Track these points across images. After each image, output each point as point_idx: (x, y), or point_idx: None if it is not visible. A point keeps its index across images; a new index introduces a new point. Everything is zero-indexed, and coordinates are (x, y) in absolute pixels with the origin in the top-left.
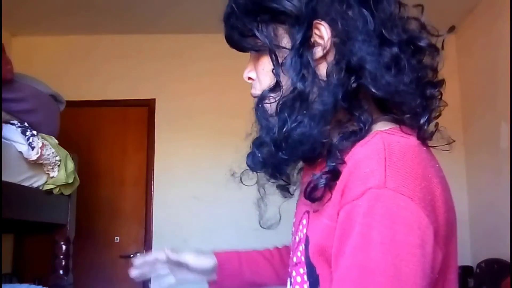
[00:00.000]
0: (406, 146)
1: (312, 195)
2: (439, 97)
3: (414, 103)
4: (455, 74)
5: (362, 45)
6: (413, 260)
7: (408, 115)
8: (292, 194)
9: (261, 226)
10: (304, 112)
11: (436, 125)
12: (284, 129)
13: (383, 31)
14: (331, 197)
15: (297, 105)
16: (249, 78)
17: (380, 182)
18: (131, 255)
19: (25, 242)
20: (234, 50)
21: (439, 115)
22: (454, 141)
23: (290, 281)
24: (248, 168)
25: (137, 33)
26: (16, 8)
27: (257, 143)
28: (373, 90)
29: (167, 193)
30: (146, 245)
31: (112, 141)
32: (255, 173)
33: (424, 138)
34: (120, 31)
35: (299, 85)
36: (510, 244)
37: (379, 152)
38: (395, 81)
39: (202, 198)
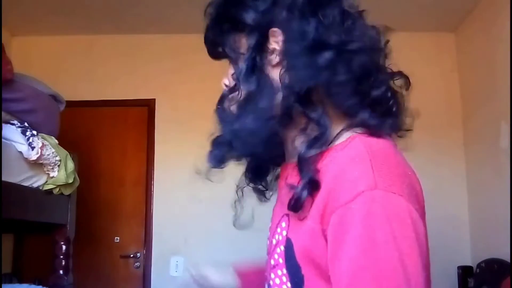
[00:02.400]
0: (384, 147)
1: (296, 207)
2: (388, 94)
3: (350, 102)
4: (455, 74)
5: (294, 47)
6: (414, 253)
7: (360, 117)
8: (268, 199)
9: (234, 226)
10: (250, 109)
11: (393, 118)
12: (234, 127)
13: (322, 36)
14: (313, 201)
15: (247, 105)
16: (225, 85)
17: (371, 183)
18: (131, 255)
19: (25, 242)
20: None
21: (402, 106)
22: (411, 130)
23: (269, 284)
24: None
25: (137, 33)
26: (16, 8)
27: (215, 142)
28: (297, 86)
29: (167, 193)
30: (146, 245)
31: (112, 141)
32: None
33: (375, 133)
34: (120, 31)
35: (247, 87)
36: (510, 244)
37: (363, 155)
38: (321, 80)
39: (202, 198)
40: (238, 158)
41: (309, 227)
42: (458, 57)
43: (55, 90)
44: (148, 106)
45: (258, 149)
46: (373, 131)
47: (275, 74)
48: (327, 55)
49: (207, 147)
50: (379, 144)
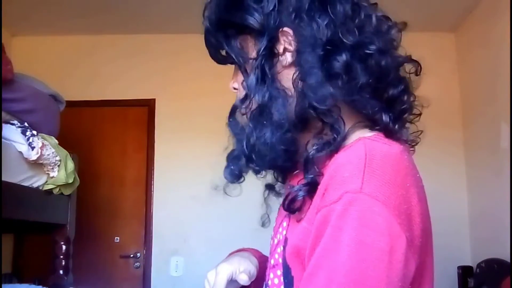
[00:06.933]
0: (388, 153)
1: (291, 207)
2: (405, 95)
3: (369, 105)
4: (455, 74)
5: (307, 56)
6: (380, 267)
7: (374, 119)
8: (281, 194)
9: (262, 226)
10: (265, 122)
11: (404, 121)
12: (251, 141)
13: (336, 37)
14: (311, 203)
15: (261, 117)
16: (234, 88)
17: (357, 186)
18: (131, 255)
19: (25, 242)
20: None
21: (412, 112)
22: (422, 132)
23: (267, 284)
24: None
25: (137, 33)
26: (16, 8)
27: (231, 157)
28: (314, 103)
29: (167, 193)
30: (146, 245)
31: (112, 141)
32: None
33: (392, 136)
34: (120, 31)
35: (259, 98)
36: (510, 244)
37: (359, 158)
38: (339, 93)
39: (202, 198)
40: (257, 172)
41: (303, 227)
42: (458, 57)
43: (55, 90)
44: (148, 106)
45: (278, 162)
46: (388, 135)
47: (287, 75)
48: (342, 58)
49: (207, 146)
50: (383, 150)
